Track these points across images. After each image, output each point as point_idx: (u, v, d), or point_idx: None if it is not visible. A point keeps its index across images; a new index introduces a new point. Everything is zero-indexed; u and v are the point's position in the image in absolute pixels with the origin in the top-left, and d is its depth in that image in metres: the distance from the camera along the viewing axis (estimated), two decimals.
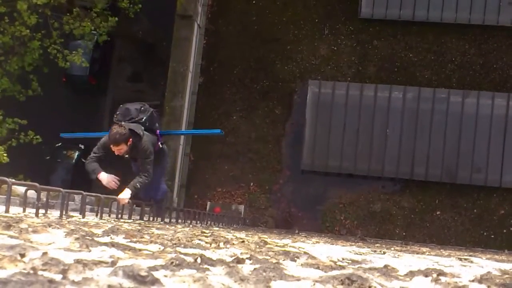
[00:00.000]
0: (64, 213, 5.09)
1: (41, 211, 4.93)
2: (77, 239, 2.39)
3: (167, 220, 7.61)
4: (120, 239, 2.80)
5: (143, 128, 6.74)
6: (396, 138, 13.53)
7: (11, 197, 4.82)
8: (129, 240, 2.78)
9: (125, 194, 6.46)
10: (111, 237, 2.80)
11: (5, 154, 9.25)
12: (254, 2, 14.77)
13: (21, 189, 6.48)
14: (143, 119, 6.87)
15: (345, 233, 12.96)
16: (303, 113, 13.95)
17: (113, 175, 6.50)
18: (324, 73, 14.30)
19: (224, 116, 14.22)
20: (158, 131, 7.19)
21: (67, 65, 12.31)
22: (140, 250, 2.35)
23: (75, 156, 15.26)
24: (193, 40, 14.38)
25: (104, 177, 6.44)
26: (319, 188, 13.63)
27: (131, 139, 6.44)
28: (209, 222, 9.39)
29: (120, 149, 6.42)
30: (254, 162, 14.00)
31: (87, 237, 2.58)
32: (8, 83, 10.71)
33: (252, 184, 13.90)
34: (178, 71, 14.10)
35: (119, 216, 6.55)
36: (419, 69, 14.09)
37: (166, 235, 3.59)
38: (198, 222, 8.93)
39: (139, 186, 6.55)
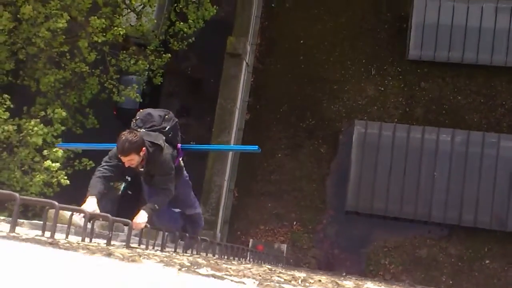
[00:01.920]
0: (127, 243, 4.95)
1: (82, 238, 4.56)
2: (179, 270, 2.41)
3: (211, 254, 7.21)
4: (208, 271, 2.82)
5: (164, 138, 5.72)
6: (443, 182, 13.26)
7: (59, 224, 4.58)
8: (218, 272, 2.80)
9: (142, 218, 5.36)
10: (206, 270, 2.82)
11: (65, 177, 9.54)
12: (302, 42, 14.98)
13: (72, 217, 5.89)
14: (167, 129, 5.83)
15: (389, 278, 12.66)
16: (348, 153, 13.87)
17: (97, 211, 5.07)
18: (371, 113, 14.26)
19: (269, 153, 14.29)
20: (179, 145, 6.09)
21: (122, 99, 12.72)
22: (244, 283, 2.36)
23: (121, 188, 15.54)
24: (241, 78, 14.64)
25: (87, 206, 5.01)
26: (363, 230, 13.43)
27: (144, 149, 5.42)
28: (259, 261, 9.35)
29: (130, 160, 5.34)
30: (298, 200, 13.95)
31: (190, 270, 2.61)
32: (67, 115, 11.13)
33: (295, 223, 13.82)
34: (226, 107, 14.32)
35: (165, 247, 5.63)
36: (468, 112, 13.89)
37: (244, 270, 3.60)
38: (245, 259, 8.89)
39: (157, 207, 5.46)
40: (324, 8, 15.02)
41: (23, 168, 9.33)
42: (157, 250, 5.47)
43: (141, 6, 13.27)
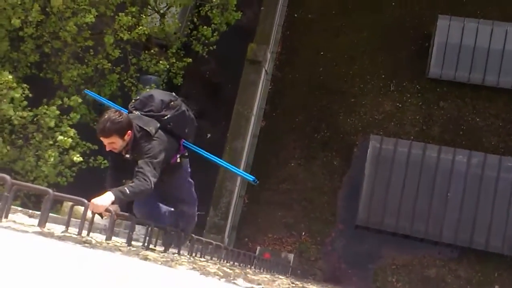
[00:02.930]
0: (146, 244, 4.82)
1: (96, 234, 4.40)
2: (221, 278, 2.40)
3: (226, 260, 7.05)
4: (243, 283, 2.80)
5: (158, 126, 4.89)
6: (456, 203, 13.16)
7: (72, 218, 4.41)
8: (252, 284, 2.78)
9: (103, 199, 4.26)
10: (243, 281, 2.80)
11: (78, 155, 9.32)
12: (322, 53, 14.98)
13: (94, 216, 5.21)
14: (166, 118, 4.99)
15: None
16: (362, 167, 13.81)
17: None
18: (387, 129, 14.21)
19: (282, 162, 14.26)
20: (183, 140, 5.30)
21: None
22: None
23: None
24: (259, 85, 14.65)
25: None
26: (372, 246, 13.34)
27: (130, 133, 4.68)
28: (267, 269, 9.31)
29: (112, 144, 4.64)
30: (308, 211, 13.90)
31: (231, 279, 2.59)
32: (85, 110, 11.15)
33: (303, 233, 13.76)
34: (242, 113, 14.33)
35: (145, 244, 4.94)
36: (485, 135, 13.81)
37: (269, 280, 3.57)
38: (254, 266, 8.85)
39: (128, 192, 4.43)
40: (347, 22, 15.03)
41: (37, 153, 9.29)
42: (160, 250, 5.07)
43: (166, 7, 13.34)
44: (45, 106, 8.74)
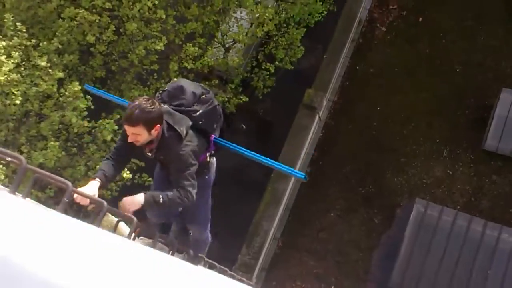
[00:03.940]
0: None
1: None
2: None
3: None
4: None
5: (190, 125, 4.36)
6: (497, 283, 12.57)
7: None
8: None
9: (134, 201, 4.07)
10: None
11: (128, 172, 9.46)
12: (378, 108, 14.92)
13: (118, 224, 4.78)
14: (198, 113, 4.45)
15: None
16: (402, 230, 13.45)
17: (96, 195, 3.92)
18: (434, 194, 13.87)
19: (322, 211, 14.11)
20: (213, 135, 4.77)
21: None
22: None
23: None
24: (311, 130, 14.69)
25: (86, 189, 3.91)
26: None
27: (158, 127, 4.13)
28: None
29: (136, 135, 4.09)
30: (341, 265, 13.60)
31: None
32: None
33: (333, 287, 13.44)
34: (289, 156, 14.35)
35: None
36: None
37: None
38: None
39: (162, 201, 4.08)
40: (408, 81, 14.97)
41: (88, 163, 9.53)
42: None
43: (232, 42, 13.70)
44: (106, 120, 9.04)
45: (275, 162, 5.05)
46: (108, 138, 9.00)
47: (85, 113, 9.45)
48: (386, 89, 15.02)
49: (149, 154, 4.41)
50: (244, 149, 4.95)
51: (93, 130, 9.30)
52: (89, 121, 9.38)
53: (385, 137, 14.55)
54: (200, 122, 4.49)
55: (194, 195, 4.28)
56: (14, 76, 8.05)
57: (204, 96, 4.54)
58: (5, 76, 7.90)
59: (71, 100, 8.49)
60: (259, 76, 13.92)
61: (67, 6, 9.82)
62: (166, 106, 4.39)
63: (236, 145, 5.01)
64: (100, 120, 9.22)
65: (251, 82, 14.27)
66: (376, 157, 14.42)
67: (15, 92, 8.04)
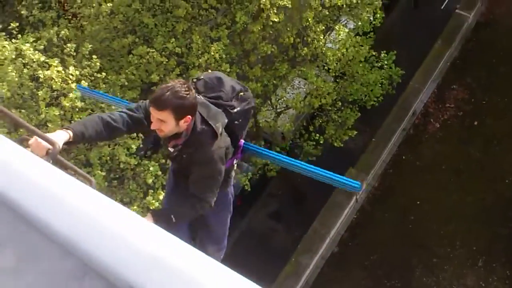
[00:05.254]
0: None
1: None
2: None
3: None
4: None
5: (225, 122, 3.59)
6: None
7: None
8: None
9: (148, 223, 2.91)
10: None
11: None
12: (418, 203, 14.56)
13: None
14: (235, 110, 3.74)
15: None
16: None
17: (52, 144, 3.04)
18: None
19: None
20: (242, 140, 4.02)
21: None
22: None
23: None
24: (345, 210, 14.41)
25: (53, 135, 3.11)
26: None
27: (189, 119, 3.38)
28: None
29: (161, 122, 3.32)
30: None
31: None
32: None
33: None
34: (319, 232, 14.07)
35: None
36: None
37: None
38: None
39: (174, 220, 3.45)
40: (455, 181, 14.64)
41: (124, 200, 9.43)
42: None
43: (285, 108, 13.76)
44: (152, 162, 9.01)
45: (322, 170, 3.90)
46: (149, 181, 8.96)
47: (133, 150, 9.49)
48: (430, 184, 14.68)
49: (172, 149, 3.54)
50: (281, 155, 4.19)
51: (137, 168, 9.28)
52: (135, 158, 9.39)
53: (420, 233, 14.08)
54: (236, 122, 3.75)
55: (212, 206, 3.56)
56: (78, 103, 8.20)
57: (242, 93, 3.82)
58: (71, 102, 8.04)
59: (126, 139, 8.56)
60: (308, 143, 13.77)
61: (140, 43, 10.09)
62: (200, 96, 3.63)
63: (272, 152, 4.23)
64: (147, 162, 9.15)
65: (295, 150, 14.19)
66: (407, 252, 13.91)
67: (76, 119, 8.17)
